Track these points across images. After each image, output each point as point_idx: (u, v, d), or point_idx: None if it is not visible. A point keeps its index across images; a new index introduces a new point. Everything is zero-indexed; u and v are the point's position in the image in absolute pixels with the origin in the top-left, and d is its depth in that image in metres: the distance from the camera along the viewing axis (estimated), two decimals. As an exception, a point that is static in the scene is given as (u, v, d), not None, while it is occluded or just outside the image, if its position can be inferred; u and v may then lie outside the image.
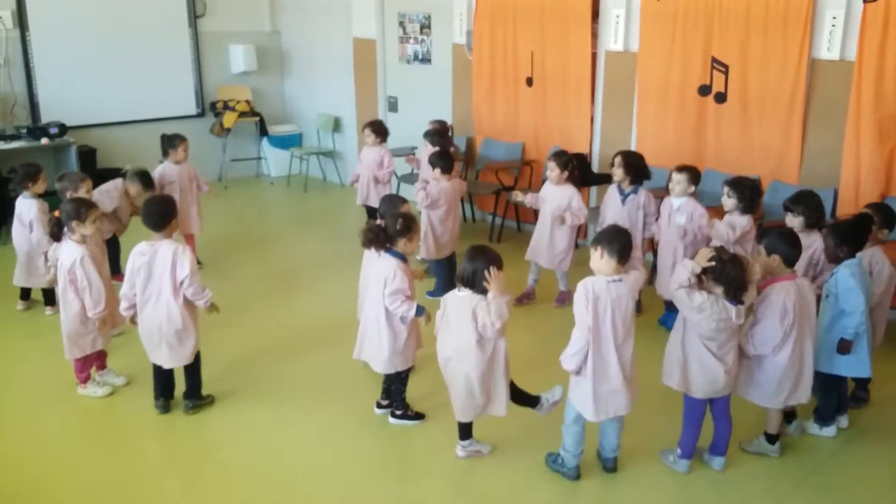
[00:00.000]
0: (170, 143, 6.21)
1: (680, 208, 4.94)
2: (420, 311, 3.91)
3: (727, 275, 3.39)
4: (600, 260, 3.41)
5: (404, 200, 4.54)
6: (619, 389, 3.45)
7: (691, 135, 6.10)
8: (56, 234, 4.36)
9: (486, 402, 3.68)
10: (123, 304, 4.16)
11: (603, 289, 3.37)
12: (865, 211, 4.24)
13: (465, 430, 3.82)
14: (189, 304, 4.11)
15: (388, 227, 3.95)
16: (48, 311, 5.54)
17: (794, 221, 4.27)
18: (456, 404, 3.73)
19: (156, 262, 4.05)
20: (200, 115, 9.24)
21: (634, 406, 3.54)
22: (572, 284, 5.73)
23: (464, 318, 3.55)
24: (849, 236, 3.90)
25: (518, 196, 5.70)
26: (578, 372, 3.46)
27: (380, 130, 6.66)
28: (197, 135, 8.56)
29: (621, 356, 3.43)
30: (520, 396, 3.83)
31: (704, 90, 5.96)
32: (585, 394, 3.46)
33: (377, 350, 4.03)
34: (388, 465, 3.92)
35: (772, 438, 3.85)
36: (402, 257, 3.96)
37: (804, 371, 3.70)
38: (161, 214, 4.09)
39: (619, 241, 3.41)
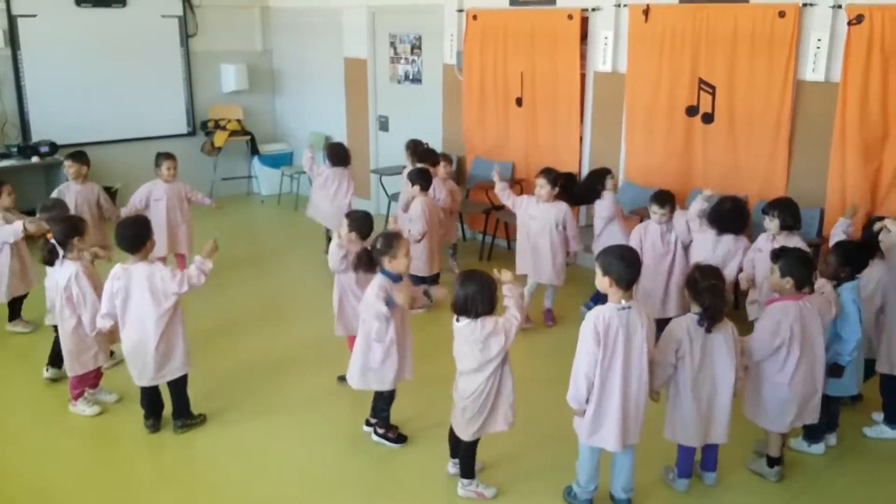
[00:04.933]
0: (156, 161, 6.25)
1: (672, 231, 5.10)
2: (390, 302, 3.78)
3: (706, 302, 3.40)
4: (609, 288, 3.32)
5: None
6: (623, 418, 3.34)
7: (679, 155, 6.15)
8: (49, 260, 4.28)
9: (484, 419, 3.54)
10: (105, 322, 4.04)
11: (614, 316, 3.28)
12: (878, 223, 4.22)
13: (468, 468, 3.71)
14: (172, 322, 4.01)
15: (372, 248, 3.96)
16: (9, 326, 5.50)
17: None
18: (457, 423, 3.61)
19: (132, 286, 3.94)
20: (191, 133, 9.26)
21: (640, 434, 3.47)
22: (560, 302, 5.80)
23: (468, 346, 3.42)
24: (854, 257, 3.90)
25: (496, 176, 5.79)
26: (584, 410, 3.38)
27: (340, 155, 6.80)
28: (188, 153, 8.58)
29: (632, 385, 3.33)
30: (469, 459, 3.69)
31: (692, 111, 6.03)
32: (596, 425, 3.38)
33: (352, 365, 4.03)
34: (379, 483, 3.91)
35: (772, 462, 3.83)
36: (391, 276, 3.91)
37: (811, 392, 3.69)
38: (134, 236, 3.96)
39: (627, 269, 3.28)
